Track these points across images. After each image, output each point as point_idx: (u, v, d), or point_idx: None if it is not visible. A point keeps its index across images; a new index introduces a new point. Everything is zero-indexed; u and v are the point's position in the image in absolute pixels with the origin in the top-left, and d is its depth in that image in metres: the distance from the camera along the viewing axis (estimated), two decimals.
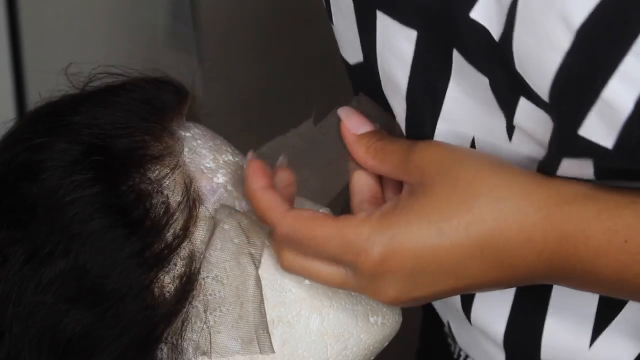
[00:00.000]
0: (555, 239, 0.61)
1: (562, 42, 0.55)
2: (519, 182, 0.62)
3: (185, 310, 0.68)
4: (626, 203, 0.61)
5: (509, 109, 0.63)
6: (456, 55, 0.63)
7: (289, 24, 1.27)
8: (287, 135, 0.74)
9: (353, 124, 0.71)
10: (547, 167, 0.63)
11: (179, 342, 0.68)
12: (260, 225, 0.72)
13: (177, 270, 0.69)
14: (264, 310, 0.70)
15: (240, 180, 0.74)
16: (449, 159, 0.64)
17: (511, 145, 0.65)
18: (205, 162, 0.73)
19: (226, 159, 0.74)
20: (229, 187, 0.73)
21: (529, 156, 0.65)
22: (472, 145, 0.67)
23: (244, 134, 0.76)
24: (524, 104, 0.61)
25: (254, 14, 1.27)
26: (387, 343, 0.74)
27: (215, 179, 0.73)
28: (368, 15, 0.66)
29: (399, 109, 0.69)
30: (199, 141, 0.75)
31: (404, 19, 0.64)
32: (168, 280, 0.69)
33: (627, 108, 0.55)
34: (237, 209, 0.73)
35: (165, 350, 0.68)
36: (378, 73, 0.69)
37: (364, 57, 0.70)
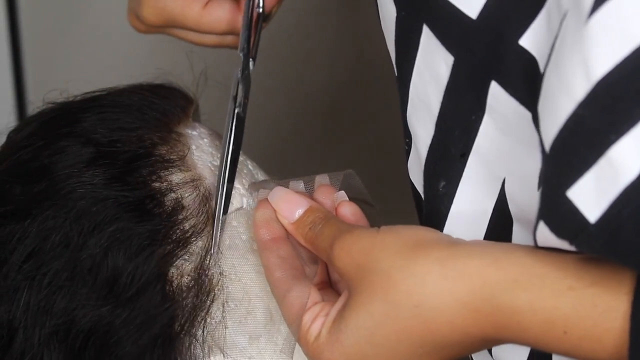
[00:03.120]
0: (491, 327, 0.57)
1: (577, 91, 0.51)
2: (436, 278, 0.58)
3: (207, 303, 0.69)
4: (563, 290, 0.55)
5: None
6: (494, 88, 0.60)
7: (287, 26, 1.27)
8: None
9: (285, 210, 0.69)
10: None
11: (198, 336, 0.69)
12: None
13: (192, 264, 0.69)
14: (272, 307, 0.71)
15: (247, 177, 0.75)
16: (363, 264, 0.61)
17: (539, 193, 0.59)
18: (213, 160, 0.74)
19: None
20: (237, 185, 0.73)
21: None
22: (502, 186, 0.64)
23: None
24: None
25: None
26: None
27: None
28: (414, 28, 0.64)
29: (424, 133, 0.66)
30: (205, 140, 0.76)
31: (446, 40, 0.62)
32: (185, 273, 0.69)
33: (632, 172, 0.50)
34: (245, 206, 0.73)
35: (186, 344, 0.69)
36: (407, 91, 0.66)
37: (397, 72, 0.67)
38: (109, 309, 0.67)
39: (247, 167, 0.76)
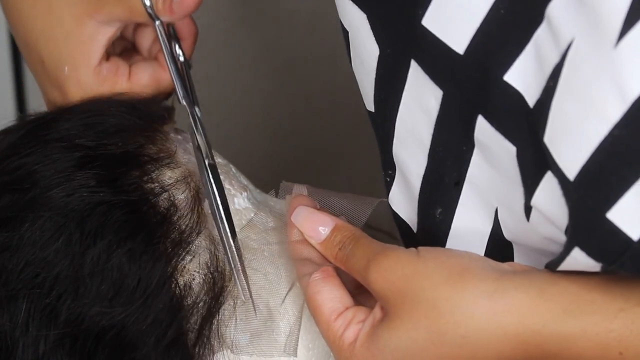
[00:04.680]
0: (540, 355, 0.58)
1: (611, 112, 0.51)
2: (485, 312, 0.59)
3: (215, 301, 0.69)
4: (614, 312, 0.56)
5: (530, 186, 0.58)
6: (481, 122, 0.61)
7: (287, 27, 1.27)
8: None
9: (310, 230, 0.68)
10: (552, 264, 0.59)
11: (208, 334, 0.69)
12: (261, 222, 0.74)
13: (196, 263, 0.69)
14: (271, 304, 0.71)
15: (235, 178, 0.75)
16: (405, 291, 0.61)
17: (529, 224, 0.61)
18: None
19: (217, 160, 0.75)
20: (227, 186, 0.73)
21: (549, 237, 0.60)
22: (496, 214, 0.64)
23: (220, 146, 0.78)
24: (548, 183, 0.57)
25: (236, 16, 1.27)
26: None
27: None
28: (401, 63, 0.64)
29: (415, 165, 0.67)
30: (191, 143, 0.75)
31: (435, 75, 0.62)
32: (191, 272, 0.69)
33: None
34: (237, 206, 0.74)
35: (197, 343, 0.69)
36: (392, 125, 0.67)
37: (375, 108, 0.67)
38: (118, 312, 0.67)
39: (232, 170, 0.77)
